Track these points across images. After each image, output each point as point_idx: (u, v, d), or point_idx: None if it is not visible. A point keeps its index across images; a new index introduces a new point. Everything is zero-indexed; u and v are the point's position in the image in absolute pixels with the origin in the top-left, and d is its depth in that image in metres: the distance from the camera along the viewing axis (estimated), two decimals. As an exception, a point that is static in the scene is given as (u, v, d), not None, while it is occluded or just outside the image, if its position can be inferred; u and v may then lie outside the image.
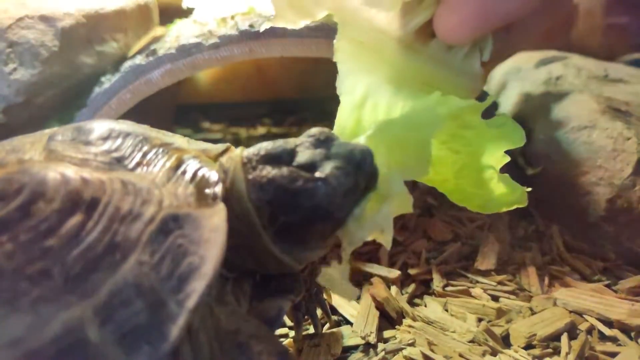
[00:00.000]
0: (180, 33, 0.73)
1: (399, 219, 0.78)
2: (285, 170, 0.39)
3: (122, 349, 0.29)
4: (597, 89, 0.84)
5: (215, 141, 0.47)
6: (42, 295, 0.29)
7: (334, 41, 0.47)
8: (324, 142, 0.41)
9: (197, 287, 0.32)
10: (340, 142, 0.41)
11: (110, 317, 0.30)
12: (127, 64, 0.70)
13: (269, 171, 0.39)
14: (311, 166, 0.39)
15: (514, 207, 0.46)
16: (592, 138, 0.74)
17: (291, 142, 0.41)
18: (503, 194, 0.45)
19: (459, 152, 0.45)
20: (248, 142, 0.66)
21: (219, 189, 0.38)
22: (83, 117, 0.69)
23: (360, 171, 0.39)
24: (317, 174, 0.38)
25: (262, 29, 0.65)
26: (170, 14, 0.90)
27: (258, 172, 0.39)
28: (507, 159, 0.46)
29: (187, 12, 0.89)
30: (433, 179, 0.46)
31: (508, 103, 0.95)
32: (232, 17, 0.72)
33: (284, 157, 0.40)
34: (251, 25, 0.67)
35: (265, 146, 0.41)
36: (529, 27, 0.49)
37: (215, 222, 0.35)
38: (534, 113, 0.86)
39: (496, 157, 0.46)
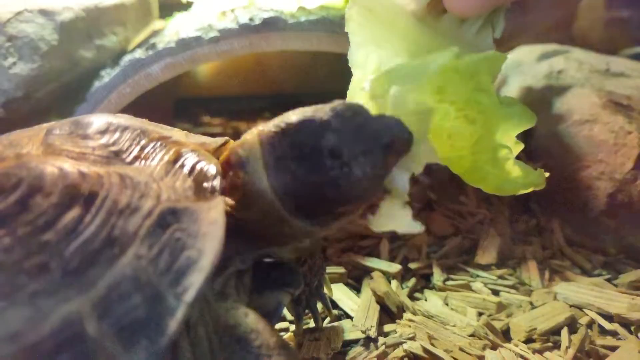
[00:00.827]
0: (180, 27, 0.73)
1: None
2: (308, 160, 0.37)
3: (120, 342, 0.29)
4: (599, 82, 0.84)
5: (215, 135, 0.47)
6: (41, 289, 0.29)
7: (346, 9, 0.46)
8: (351, 120, 0.37)
9: (196, 280, 0.32)
10: (368, 118, 0.38)
11: (108, 311, 0.30)
12: (127, 58, 0.70)
13: (291, 161, 0.37)
14: (336, 152, 0.37)
15: (531, 189, 0.44)
16: (593, 132, 0.74)
17: (317, 118, 0.37)
18: (520, 175, 0.45)
19: (475, 122, 0.44)
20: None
21: (217, 182, 0.38)
22: (83, 111, 0.68)
23: (388, 150, 0.37)
24: (344, 161, 0.36)
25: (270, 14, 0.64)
26: (170, 7, 0.89)
27: (281, 163, 0.37)
28: (522, 146, 0.46)
29: (186, 6, 0.89)
30: (449, 156, 0.45)
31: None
32: (232, 11, 0.71)
33: (307, 142, 0.37)
34: (251, 19, 0.67)
35: (287, 129, 0.37)
36: (546, 10, 0.48)
37: (213, 216, 0.34)
38: (535, 107, 0.85)
39: (510, 138, 0.45)
